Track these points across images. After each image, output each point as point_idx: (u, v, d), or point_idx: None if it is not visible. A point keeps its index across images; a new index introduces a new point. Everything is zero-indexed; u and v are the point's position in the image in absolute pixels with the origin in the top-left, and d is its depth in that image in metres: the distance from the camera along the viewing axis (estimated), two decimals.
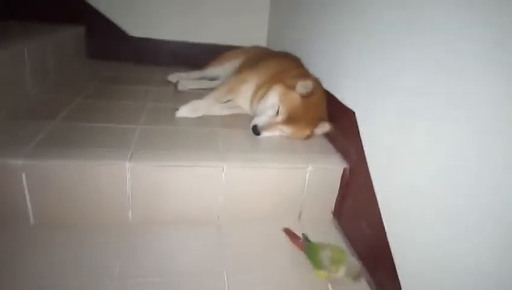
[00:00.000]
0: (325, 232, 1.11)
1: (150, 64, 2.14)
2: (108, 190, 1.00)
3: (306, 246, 0.98)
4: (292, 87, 1.22)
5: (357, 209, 1.05)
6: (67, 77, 1.68)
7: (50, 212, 0.99)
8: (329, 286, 0.91)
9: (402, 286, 0.82)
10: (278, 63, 1.45)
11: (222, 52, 1.88)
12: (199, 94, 1.47)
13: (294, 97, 1.21)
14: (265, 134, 1.23)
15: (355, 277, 0.89)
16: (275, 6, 2.13)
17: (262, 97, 1.30)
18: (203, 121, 1.33)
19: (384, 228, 0.90)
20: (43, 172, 0.95)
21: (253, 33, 2.18)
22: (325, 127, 1.23)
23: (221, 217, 1.09)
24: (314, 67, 1.44)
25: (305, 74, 1.33)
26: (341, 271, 0.88)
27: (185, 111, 1.32)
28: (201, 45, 2.20)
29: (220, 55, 1.86)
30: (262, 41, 2.19)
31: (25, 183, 0.94)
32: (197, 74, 1.85)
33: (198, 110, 1.34)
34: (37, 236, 0.95)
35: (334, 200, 1.15)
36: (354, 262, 0.90)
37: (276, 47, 1.89)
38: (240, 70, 1.59)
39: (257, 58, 1.59)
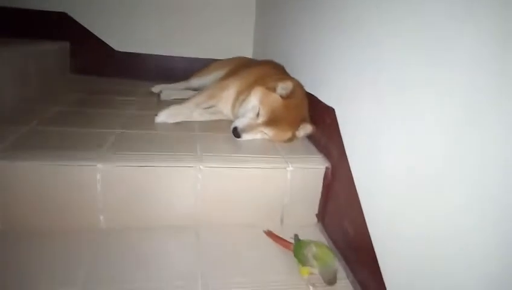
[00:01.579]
0: (309, 236, 1.05)
1: (136, 78, 2.13)
2: (77, 193, 0.95)
3: (295, 244, 0.93)
4: (273, 89, 1.21)
5: (340, 209, 1.01)
6: (48, 89, 1.66)
7: (14, 216, 0.94)
8: (311, 289, 0.85)
9: (386, 285, 0.77)
10: (261, 70, 1.44)
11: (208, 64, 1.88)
12: None
13: (275, 98, 1.19)
14: (246, 137, 1.20)
15: (329, 282, 0.83)
16: (260, 17, 2.15)
17: (243, 102, 1.28)
18: (183, 126, 1.30)
19: (366, 226, 0.86)
20: (7, 174, 0.90)
21: (239, 46, 2.20)
22: (307, 128, 1.21)
23: (198, 221, 1.04)
24: (296, 72, 1.43)
25: (286, 78, 1.32)
26: (318, 270, 0.83)
27: (164, 116, 1.29)
28: (187, 59, 2.20)
29: (206, 66, 1.86)
30: (248, 53, 2.20)
31: None
32: (181, 84, 1.83)
33: (178, 115, 1.31)
34: None
35: (318, 202, 1.10)
36: (332, 266, 0.85)
37: (262, 58, 1.90)
38: (223, 79, 1.58)
39: (242, 67, 1.58)
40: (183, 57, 2.21)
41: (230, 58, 1.88)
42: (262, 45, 2.11)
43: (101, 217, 0.98)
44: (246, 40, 2.25)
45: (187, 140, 1.15)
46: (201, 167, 0.99)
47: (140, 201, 0.99)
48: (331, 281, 0.82)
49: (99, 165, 0.93)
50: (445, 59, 0.63)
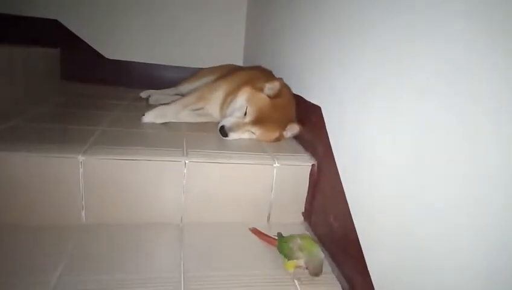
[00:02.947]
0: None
1: (126, 86, 2.13)
2: (59, 187, 0.93)
3: (279, 240, 0.92)
4: (260, 89, 1.21)
5: (326, 205, 1.00)
6: (36, 92, 1.65)
7: None
8: (296, 283, 0.83)
9: (372, 279, 0.76)
10: (249, 73, 1.45)
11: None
12: None
13: (262, 98, 1.19)
14: (233, 136, 1.19)
15: (314, 272, 0.82)
16: (250, 25, 2.19)
17: (231, 102, 1.28)
18: (170, 126, 1.29)
19: (352, 220, 0.85)
20: None
21: (229, 54, 2.22)
22: (294, 128, 1.21)
23: (183, 217, 1.02)
24: (284, 75, 1.44)
25: (273, 79, 1.33)
26: (304, 261, 0.81)
27: (151, 116, 1.28)
28: (178, 68, 2.22)
29: (196, 72, 1.87)
30: (238, 61, 2.23)
31: None
32: (170, 90, 1.84)
33: (166, 115, 1.31)
34: None
35: (304, 200, 1.09)
36: (318, 259, 0.84)
37: (252, 64, 1.92)
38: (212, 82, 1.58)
39: (231, 73, 1.59)
40: (173, 66, 2.23)
41: (219, 65, 1.90)
42: (252, 51, 2.14)
43: (83, 213, 0.96)
44: (236, 48, 2.28)
45: (174, 138, 1.15)
46: (186, 161, 0.98)
47: (124, 197, 0.97)
48: (317, 270, 0.81)
49: (81, 158, 0.92)
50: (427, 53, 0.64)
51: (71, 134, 1.07)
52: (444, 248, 0.57)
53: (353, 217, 0.85)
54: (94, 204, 0.96)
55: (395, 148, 0.72)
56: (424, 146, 0.63)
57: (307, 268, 0.82)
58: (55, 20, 2.07)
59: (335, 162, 0.96)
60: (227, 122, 1.19)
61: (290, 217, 1.10)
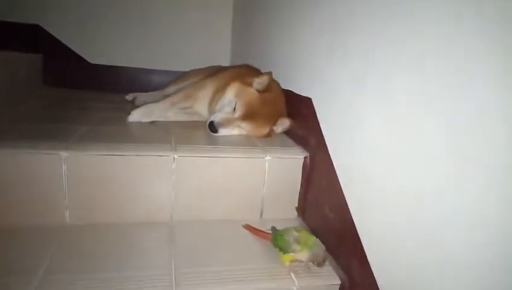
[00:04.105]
0: None
1: (111, 91, 2.07)
2: (40, 186, 0.88)
3: (273, 234, 0.89)
4: (249, 84, 1.19)
5: (320, 197, 0.97)
6: (18, 97, 1.58)
7: None
8: (293, 276, 0.80)
9: (372, 267, 0.73)
10: (237, 70, 1.43)
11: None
12: None
13: (251, 92, 1.17)
14: (222, 131, 1.16)
15: (320, 263, 0.79)
16: (237, 24, 2.18)
17: (220, 98, 1.25)
18: (158, 124, 1.26)
19: (349, 210, 0.83)
20: None
21: (217, 55, 2.20)
22: (284, 123, 1.19)
23: (173, 214, 0.98)
24: (273, 72, 1.43)
25: (262, 74, 1.31)
26: (305, 253, 0.78)
27: (138, 115, 1.24)
28: (164, 72, 2.18)
29: (183, 74, 1.84)
30: (226, 62, 2.21)
31: None
32: (157, 93, 1.80)
33: (153, 114, 1.27)
34: None
35: (297, 194, 1.07)
36: (319, 249, 0.81)
37: (239, 63, 1.90)
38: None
39: (218, 71, 1.57)
40: (160, 70, 2.19)
41: (206, 67, 1.87)
42: (239, 51, 2.13)
43: (66, 213, 0.91)
44: (223, 49, 2.26)
45: (161, 135, 1.11)
46: (175, 156, 0.95)
47: (110, 195, 0.93)
48: (323, 260, 0.78)
49: (64, 153, 0.87)
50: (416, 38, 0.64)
51: (54, 131, 1.02)
52: (445, 234, 0.55)
53: (349, 207, 0.83)
54: (78, 203, 0.91)
55: (388, 132, 0.70)
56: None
57: (313, 262, 0.79)
58: (36, 25, 2.02)
59: (328, 153, 0.94)
60: (216, 117, 1.16)
61: (284, 212, 1.07)
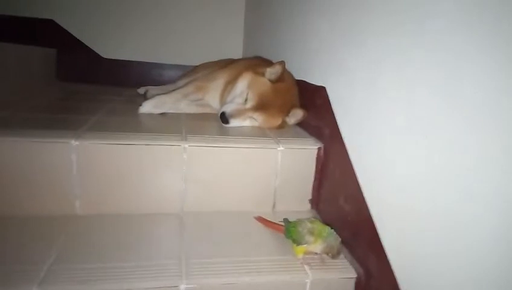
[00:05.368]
0: None
1: (124, 86, 2.08)
2: (50, 175, 0.87)
3: (286, 226, 0.86)
4: (261, 74, 1.17)
5: (335, 188, 0.94)
6: (31, 88, 1.60)
7: None
8: (306, 268, 0.77)
9: (390, 261, 0.70)
10: (249, 61, 1.42)
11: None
12: None
13: (264, 82, 1.15)
14: (234, 122, 1.14)
15: (335, 255, 0.76)
16: (249, 15, 2.15)
17: (232, 89, 1.23)
18: (169, 116, 1.24)
19: (365, 200, 0.80)
20: None
21: (229, 49, 2.18)
22: (297, 114, 1.16)
23: (184, 206, 0.96)
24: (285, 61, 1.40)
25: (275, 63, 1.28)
26: (319, 245, 0.75)
27: (149, 106, 1.23)
28: (176, 66, 2.17)
29: (195, 67, 1.83)
30: (238, 55, 2.19)
31: None
32: (169, 86, 1.78)
33: (164, 105, 1.26)
34: None
35: (311, 186, 1.04)
36: (334, 239, 0.78)
37: (251, 55, 1.88)
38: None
39: (230, 62, 1.55)
40: (172, 64, 2.19)
41: (218, 60, 1.85)
42: (251, 44, 2.10)
43: (77, 203, 0.90)
44: (236, 42, 2.24)
45: (172, 126, 1.09)
46: (186, 146, 0.93)
47: (121, 185, 0.92)
48: (338, 252, 0.76)
49: (74, 142, 0.86)
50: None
51: (64, 122, 1.02)
52: (468, 224, 0.52)
53: (366, 198, 0.80)
54: (88, 193, 0.90)
55: (408, 123, 0.66)
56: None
57: (327, 254, 0.76)
58: (51, 20, 2.04)
59: (344, 143, 0.90)
60: (227, 108, 1.14)
61: (297, 204, 1.04)
